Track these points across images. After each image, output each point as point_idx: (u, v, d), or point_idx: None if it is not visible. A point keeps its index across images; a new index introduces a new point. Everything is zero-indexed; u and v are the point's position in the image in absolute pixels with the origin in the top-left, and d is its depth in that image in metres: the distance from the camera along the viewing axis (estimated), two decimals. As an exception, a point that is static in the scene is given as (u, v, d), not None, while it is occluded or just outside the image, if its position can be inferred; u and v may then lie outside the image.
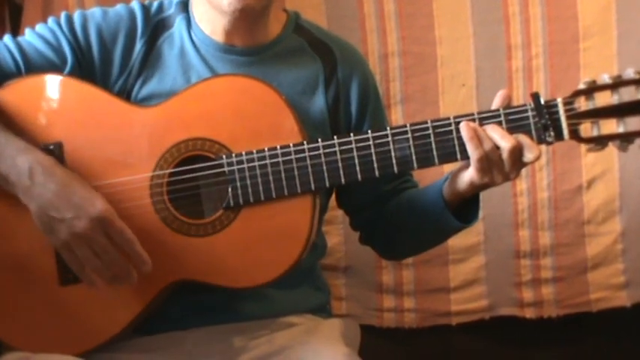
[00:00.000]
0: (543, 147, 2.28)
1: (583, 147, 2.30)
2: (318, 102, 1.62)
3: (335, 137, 1.47)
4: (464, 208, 1.55)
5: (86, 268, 1.45)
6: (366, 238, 1.76)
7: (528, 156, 1.43)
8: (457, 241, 2.35)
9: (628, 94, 1.40)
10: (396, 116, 2.34)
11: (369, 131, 1.47)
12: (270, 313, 1.60)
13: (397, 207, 1.67)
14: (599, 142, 1.42)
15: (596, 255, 2.37)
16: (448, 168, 2.26)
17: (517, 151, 1.42)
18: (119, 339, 1.53)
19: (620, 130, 1.41)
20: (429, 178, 2.28)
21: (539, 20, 2.33)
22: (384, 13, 2.35)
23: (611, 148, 2.31)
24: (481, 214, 1.56)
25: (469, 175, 1.47)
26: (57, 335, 1.52)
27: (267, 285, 1.50)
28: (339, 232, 2.36)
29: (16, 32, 2.19)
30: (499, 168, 1.43)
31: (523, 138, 1.42)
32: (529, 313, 2.39)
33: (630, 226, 2.35)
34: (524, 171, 2.31)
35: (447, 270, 2.39)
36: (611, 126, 1.42)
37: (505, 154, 1.42)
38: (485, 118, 1.45)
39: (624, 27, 2.31)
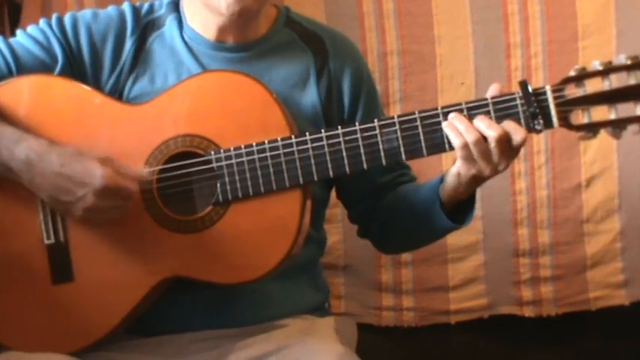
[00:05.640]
0: (542, 145, 2.35)
1: (582, 145, 2.35)
2: (310, 95, 1.62)
3: (323, 131, 1.47)
4: (460, 208, 1.55)
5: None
6: (364, 231, 1.76)
7: (516, 139, 1.41)
8: (456, 239, 2.36)
9: (619, 80, 1.38)
10: (395, 115, 2.34)
11: (357, 124, 1.47)
12: (267, 316, 1.60)
13: (393, 201, 1.67)
14: (591, 129, 1.40)
15: (595, 253, 2.37)
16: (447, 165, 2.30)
17: (504, 139, 1.41)
18: (113, 337, 1.54)
19: (612, 116, 1.39)
20: (429, 174, 2.30)
21: (538, 19, 2.33)
22: (383, 11, 2.35)
23: (610, 147, 2.34)
24: (475, 214, 1.55)
25: (456, 167, 1.47)
26: (51, 334, 1.53)
27: (258, 280, 1.49)
28: (338, 230, 2.37)
29: (15, 31, 2.19)
30: (486, 158, 1.43)
31: (507, 123, 1.41)
32: (528, 312, 2.39)
33: (629, 225, 2.35)
34: (523, 169, 2.36)
35: (446, 268, 2.40)
36: (602, 113, 1.40)
37: (493, 144, 1.41)
38: (473, 107, 1.44)
39: (623, 25, 2.31)
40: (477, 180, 1.48)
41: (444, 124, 1.43)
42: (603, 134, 1.41)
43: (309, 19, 1.71)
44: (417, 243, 1.78)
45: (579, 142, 2.34)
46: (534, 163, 2.36)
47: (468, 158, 1.43)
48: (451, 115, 1.43)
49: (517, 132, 1.41)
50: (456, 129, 1.42)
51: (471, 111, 1.44)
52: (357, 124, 1.47)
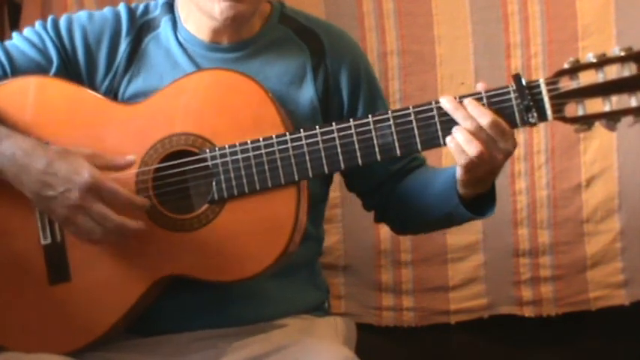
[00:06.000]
0: (542, 145, 2.35)
1: (582, 146, 2.35)
2: (308, 92, 1.62)
3: (317, 127, 1.47)
4: (481, 199, 1.53)
5: (93, 236, 1.46)
6: (380, 217, 1.76)
7: (482, 121, 1.40)
8: (456, 239, 2.36)
9: (613, 72, 1.37)
10: (395, 115, 2.34)
11: (351, 120, 1.46)
12: (266, 315, 1.60)
13: (409, 190, 1.66)
14: (585, 121, 1.39)
15: (595, 253, 2.36)
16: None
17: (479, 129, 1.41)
18: (111, 336, 1.54)
19: (606, 108, 1.38)
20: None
21: (538, 19, 2.33)
22: (383, 11, 2.35)
23: (610, 147, 2.34)
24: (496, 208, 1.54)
25: (460, 174, 1.46)
26: (49, 334, 1.53)
27: (254, 278, 1.49)
28: (338, 230, 2.37)
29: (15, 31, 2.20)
30: (482, 167, 1.43)
31: (472, 108, 1.41)
32: (528, 312, 2.39)
33: (629, 225, 2.34)
34: (523, 169, 2.36)
35: (446, 268, 2.40)
36: (597, 105, 1.39)
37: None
38: None
39: (623, 25, 2.31)
40: (487, 178, 1.48)
41: (448, 139, 1.42)
42: (602, 131, 1.41)
43: (305, 14, 1.70)
44: (438, 229, 1.79)
45: (579, 142, 2.34)
46: (534, 163, 2.36)
47: (472, 168, 1.43)
48: (454, 129, 1.42)
49: (482, 116, 1.40)
50: (459, 146, 1.41)
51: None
52: (351, 120, 1.46)
